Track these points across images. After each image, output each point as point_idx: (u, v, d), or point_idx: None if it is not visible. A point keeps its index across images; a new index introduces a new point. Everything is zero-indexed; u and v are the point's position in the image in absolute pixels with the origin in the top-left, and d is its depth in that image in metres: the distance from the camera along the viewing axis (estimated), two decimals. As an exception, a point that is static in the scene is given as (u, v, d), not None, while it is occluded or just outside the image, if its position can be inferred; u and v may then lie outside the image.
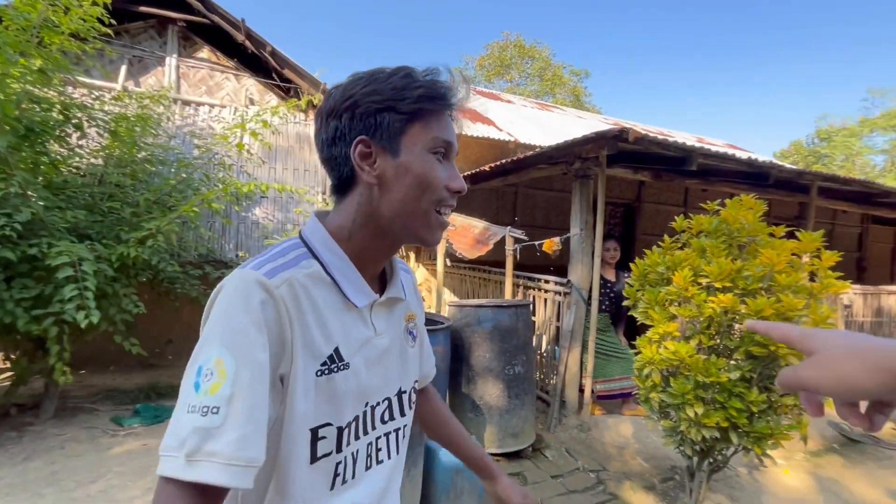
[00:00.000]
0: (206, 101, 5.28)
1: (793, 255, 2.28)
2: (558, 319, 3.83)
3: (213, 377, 0.50)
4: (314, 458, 0.60)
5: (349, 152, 0.63)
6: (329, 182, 0.71)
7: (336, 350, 0.61)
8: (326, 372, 0.60)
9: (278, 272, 0.58)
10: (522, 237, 3.52)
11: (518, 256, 3.65)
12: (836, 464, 3.51)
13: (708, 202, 2.55)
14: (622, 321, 3.99)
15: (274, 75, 5.56)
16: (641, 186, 8.05)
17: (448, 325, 2.97)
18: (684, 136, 9.79)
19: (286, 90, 5.64)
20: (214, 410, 0.48)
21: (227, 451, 0.47)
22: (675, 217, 2.57)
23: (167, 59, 5.22)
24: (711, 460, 2.44)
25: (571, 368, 3.71)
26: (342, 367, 0.62)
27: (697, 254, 2.39)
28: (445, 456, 2.31)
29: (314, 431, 0.59)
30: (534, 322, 4.09)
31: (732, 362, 2.23)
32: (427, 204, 0.63)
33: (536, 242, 3.67)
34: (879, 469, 3.44)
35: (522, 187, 7.35)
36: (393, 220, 0.64)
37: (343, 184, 0.66)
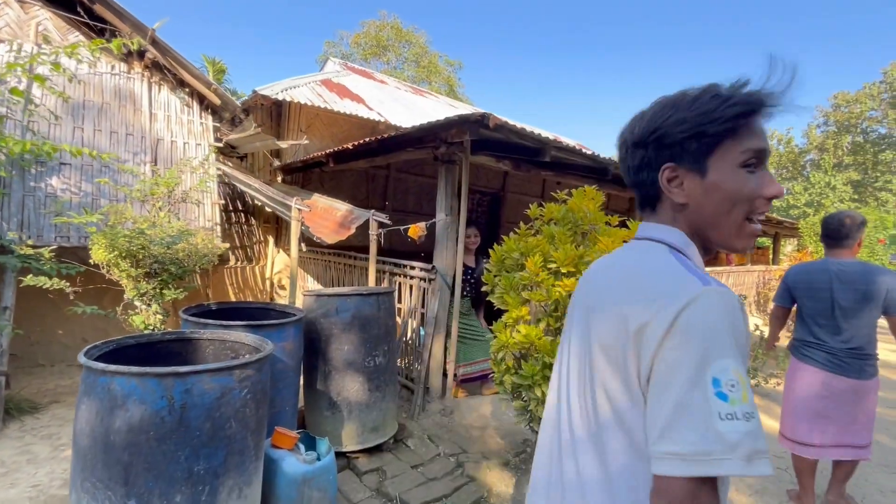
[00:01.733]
0: (-32, 30, 3.93)
1: (624, 242, 2.53)
2: (423, 306, 3.78)
3: (739, 387, 0.56)
4: None
5: (656, 178, 0.72)
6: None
7: None
8: None
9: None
10: (386, 221, 3.36)
11: (382, 242, 3.48)
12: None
13: (558, 191, 2.69)
14: (481, 305, 4.12)
15: (81, 11, 4.39)
16: (506, 177, 8.54)
17: (299, 317, 2.67)
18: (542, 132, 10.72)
19: (100, 32, 4.51)
20: (752, 416, 0.55)
21: (766, 446, 0.55)
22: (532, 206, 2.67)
23: None
24: (556, 433, 2.62)
25: (436, 355, 3.71)
26: None
27: (547, 240, 2.50)
28: (290, 466, 2.05)
29: None
30: (399, 309, 3.99)
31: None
32: (738, 217, 0.68)
33: (401, 227, 3.54)
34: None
35: (394, 171, 7.19)
36: (708, 233, 0.71)
37: (651, 200, 0.76)
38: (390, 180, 7.18)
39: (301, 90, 5.89)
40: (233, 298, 5.61)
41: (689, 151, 0.67)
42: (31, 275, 2.68)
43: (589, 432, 0.68)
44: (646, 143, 0.70)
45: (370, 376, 2.93)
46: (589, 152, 3.80)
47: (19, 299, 3.43)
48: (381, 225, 3.44)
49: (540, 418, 2.39)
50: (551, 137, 3.43)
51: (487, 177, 8.38)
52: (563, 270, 2.31)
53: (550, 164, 4.15)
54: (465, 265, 3.72)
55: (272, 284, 5.75)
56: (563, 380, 0.78)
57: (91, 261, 2.89)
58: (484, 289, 2.68)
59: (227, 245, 4.84)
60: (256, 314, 2.96)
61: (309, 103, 5.65)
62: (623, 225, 2.56)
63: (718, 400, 0.54)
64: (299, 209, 2.97)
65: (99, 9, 4.38)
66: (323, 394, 2.88)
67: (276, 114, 6.18)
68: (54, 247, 2.76)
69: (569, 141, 9.78)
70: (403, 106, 8.18)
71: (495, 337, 2.48)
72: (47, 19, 4.38)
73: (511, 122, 3.09)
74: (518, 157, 3.75)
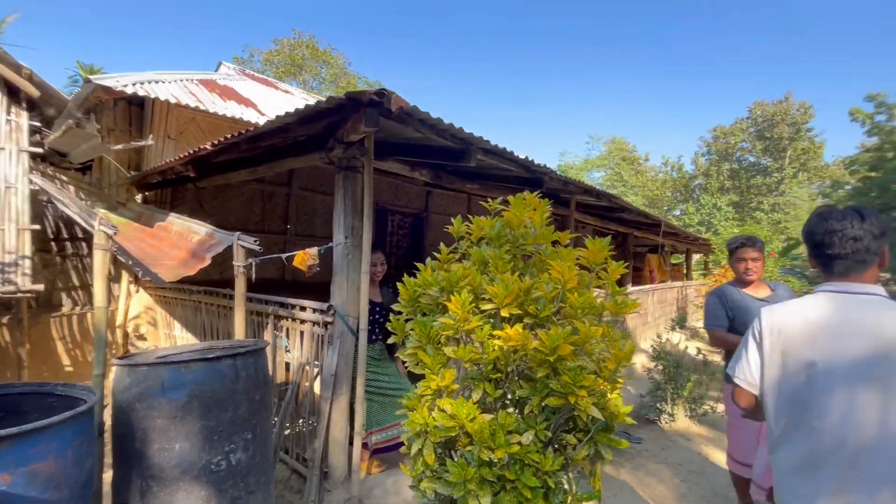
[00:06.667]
0: None
1: (578, 265, 1.85)
2: (318, 359, 2.83)
3: None
4: None
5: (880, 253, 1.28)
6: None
7: None
8: None
9: None
10: (255, 248, 2.40)
11: (254, 277, 2.50)
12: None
13: (490, 200, 1.97)
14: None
15: None
16: (429, 195, 7.86)
17: (90, 404, 1.61)
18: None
19: None
20: None
21: None
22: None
23: None
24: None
25: (338, 424, 2.75)
26: None
27: (479, 268, 1.74)
28: None
29: None
30: (288, 365, 2.99)
31: (524, 417, 1.63)
32: None
33: (283, 255, 2.60)
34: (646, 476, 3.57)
35: (297, 189, 6.16)
36: None
37: (867, 266, 1.27)
38: (292, 200, 6.13)
39: (167, 86, 4.71)
40: (64, 357, 4.16)
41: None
42: None
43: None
44: (878, 235, 1.27)
45: (221, 486, 1.91)
46: (521, 157, 3.18)
47: None
48: (250, 253, 2.46)
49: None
50: (476, 135, 2.74)
51: (408, 195, 7.64)
52: (505, 313, 1.55)
53: (476, 175, 3.47)
54: (371, 301, 2.84)
55: (126, 335, 4.37)
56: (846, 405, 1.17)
57: None
58: (391, 340, 1.84)
59: (41, 286, 3.49)
60: (22, 405, 1.82)
61: (174, 101, 4.49)
62: (578, 243, 1.88)
63: None
64: (107, 233, 1.90)
65: None
66: (138, 525, 1.80)
67: (137, 116, 4.91)
68: None
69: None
70: (309, 117, 7.21)
71: (409, 414, 1.64)
72: None
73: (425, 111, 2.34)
74: (437, 161, 3.01)
